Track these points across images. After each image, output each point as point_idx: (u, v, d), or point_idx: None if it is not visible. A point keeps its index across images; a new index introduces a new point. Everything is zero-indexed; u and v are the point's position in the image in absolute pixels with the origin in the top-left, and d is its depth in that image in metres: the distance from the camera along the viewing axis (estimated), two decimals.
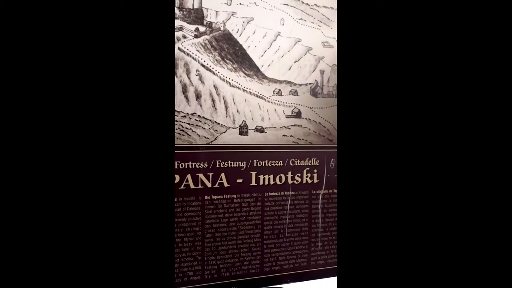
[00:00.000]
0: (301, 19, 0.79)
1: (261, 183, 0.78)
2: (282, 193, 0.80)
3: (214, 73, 0.74)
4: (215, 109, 0.74)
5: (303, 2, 0.79)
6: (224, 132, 0.75)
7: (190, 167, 0.73)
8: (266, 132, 0.78)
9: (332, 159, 0.84)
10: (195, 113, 0.73)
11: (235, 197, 0.77)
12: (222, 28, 0.74)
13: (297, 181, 0.81)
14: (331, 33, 0.82)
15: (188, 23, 0.72)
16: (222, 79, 0.74)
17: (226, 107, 0.75)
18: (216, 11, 0.73)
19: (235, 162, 0.76)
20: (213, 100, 0.74)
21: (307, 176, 0.82)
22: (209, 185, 0.75)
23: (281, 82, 0.79)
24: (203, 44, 0.73)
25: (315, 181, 0.83)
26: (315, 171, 0.83)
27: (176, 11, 0.71)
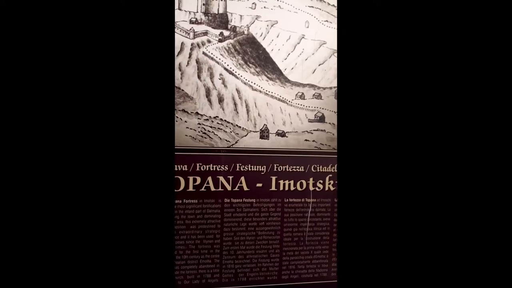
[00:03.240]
0: (327, 21, 0.77)
1: (281, 188, 0.77)
2: (303, 199, 0.78)
3: (237, 77, 0.74)
4: (237, 112, 0.74)
5: (329, 4, 0.77)
6: (245, 136, 0.75)
7: (211, 169, 0.74)
8: (287, 137, 0.76)
9: None
10: (217, 116, 0.74)
11: (254, 201, 0.76)
12: (246, 32, 0.75)
13: (319, 188, 0.79)
14: None
15: (213, 27, 0.73)
16: (245, 83, 0.75)
17: (248, 111, 0.75)
18: (241, 15, 0.74)
19: (255, 166, 0.76)
20: (235, 104, 0.74)
21: (329, 183, 0.79)
22: (229, 188, 0.75)
23: (304, 85, 0.77)
24: (227, 48, 0.74)
25: None
26: None
27: (202, 16, 0.73)
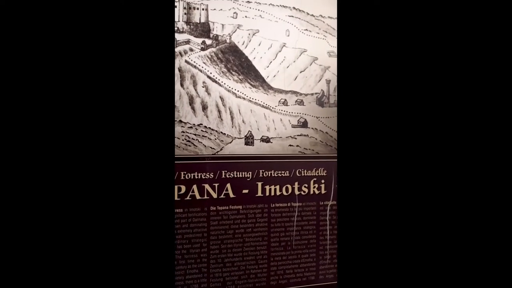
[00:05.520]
0: (306, 29, 0.80)
1: (267, 193, 0.77)
2: (289, 204, 0.79)
3: (220, 85, 0.75)
4: (221, 119, 0.75)
5: (308, 13, 0.80)
6: (230, 143, 0.75)
7: (196, 177, 0.73)
8: (272, 142, 0.78)
9: None
10: (202, 124, 0.74)
11: (240, 208, 0.76)
12: (228, 41, 0.76)
13: (304, 192, 0.80)
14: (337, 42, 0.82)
15: (195, 36, 0.74)
16: (228, 90, 0.75)
17: (232, 118, 0.75)
18: (222, 24, 0.75)
19: (241, 173, 0.76)
20: (219, 111, 0.75)
21: (314, 187, 0.80)
22: (214, 195, 0.74)
23: (286, 92, 0.79)
24: (210, 56, 0.75)
25: (323, 192, 0.81)
26: (323, 181, 0.81)
27: (184, 25, 0.73)
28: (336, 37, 0.81)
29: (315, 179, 0.81)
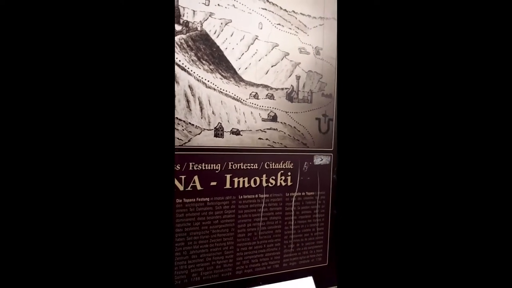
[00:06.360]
0: (279, 24, 0.80)
1: (236, 186, 0.78)
2: (256, 195, 0.81)
3: (189, 73, 0.72)
4: (190, 110, 0.72)
5: (281, 8, 0.80)
6: (199, 134, 0.73)
7: None
8: (242, 135, 0.78)
9: (306, 163, 0.86)
10: None
11: (208, 200, 0.75)
12: (199, 28, 0.73)
13: (271, 183, 0.82)
14: (308, 39, 0.84)
15: None
16: (198, 80, 0.73)
17: (202, 109, 0.74)
18: (194, 11, 0.72)
19: (209, 165, 0.75)
20: (187, 101, 0.72)
21: (281, 179, 0.83)
22: (181, 188, 0.73)
23: (258, 85, 0.79)
24: (179, 43, 0.71)
25: (289, 183, 0.84)
26: (289, 174, 0.84)
27: None
28: (314, 34, 0.83)
29: (282, 171, 0.83)
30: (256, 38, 0.78)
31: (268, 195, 0.82)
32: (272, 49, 0.80)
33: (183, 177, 0.73)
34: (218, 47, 0.75)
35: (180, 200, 0.73)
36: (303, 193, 0.86)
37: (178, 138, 0.72)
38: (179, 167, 0.72)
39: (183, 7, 0.71)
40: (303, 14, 0.83)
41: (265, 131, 0.80)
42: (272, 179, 0.82)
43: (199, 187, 0.74)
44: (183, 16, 0.71)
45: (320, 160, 0.88)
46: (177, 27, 0.71)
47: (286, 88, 0.83)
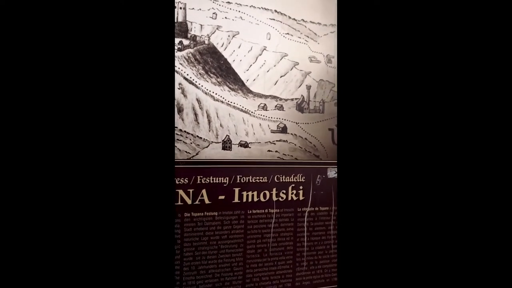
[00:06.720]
0: (288, 33, 0.79)
1: (245, 200, 0.76)
2: (266, 210, 0.78)
3: (197, 87, 0.72)
4: (198, 123, 0.72)
5: (290, 17, 0.79)
6: (207, 147, 0.73)
7: None
8: (250, 147, 0.76)
9: (319, 176, 0.82)
10: (177, 127, 0.71)
11: (216, 214, 0.74)
12: (206, 42, 0.73)
13: (282, 198, 0.79)
14: (318, 48, 0.81)
15: None
16: (206, 93, 0.73)
17: (209, 121, 0.73)
18: (201, 25, 0.72)
19: (217, 178, 0.74)
20: (195, 114, 0.72)
21: (292, 193, 0.80)
22: (189, 201, 0.72)
23: (266, 96, 0.78)
24: (187, 57, 0.72)
25: (301, 198, 0.81)
26: (301, 187, 0.80)
27: None
28: (323, 42, 0.80)
29: (293, 185, 0.80)
30: (264, 49, 0.77)
31: (278, 210, 0.79)
32: (281, 59, 0.78)
33: (191, 190, 0.72)
34: (225, 59, 0.75)
35: (188, 214, 0.72)
36: (317, 208, 0.82)
37: (186, 152, 0.71)
38: (187, 181, 0.72)
39: (191, 22, 0.72)
40: (313, 22, 0.81)
41: (275, 143, 0.78)
42: (283, 193, 0.79)
43: (207, 201, 0.73)
44: (191, 30, 0.72)
45: (334, 173, 0.83)
46: (185, 42, 0.72)
47: (296, 99, 0.80)
